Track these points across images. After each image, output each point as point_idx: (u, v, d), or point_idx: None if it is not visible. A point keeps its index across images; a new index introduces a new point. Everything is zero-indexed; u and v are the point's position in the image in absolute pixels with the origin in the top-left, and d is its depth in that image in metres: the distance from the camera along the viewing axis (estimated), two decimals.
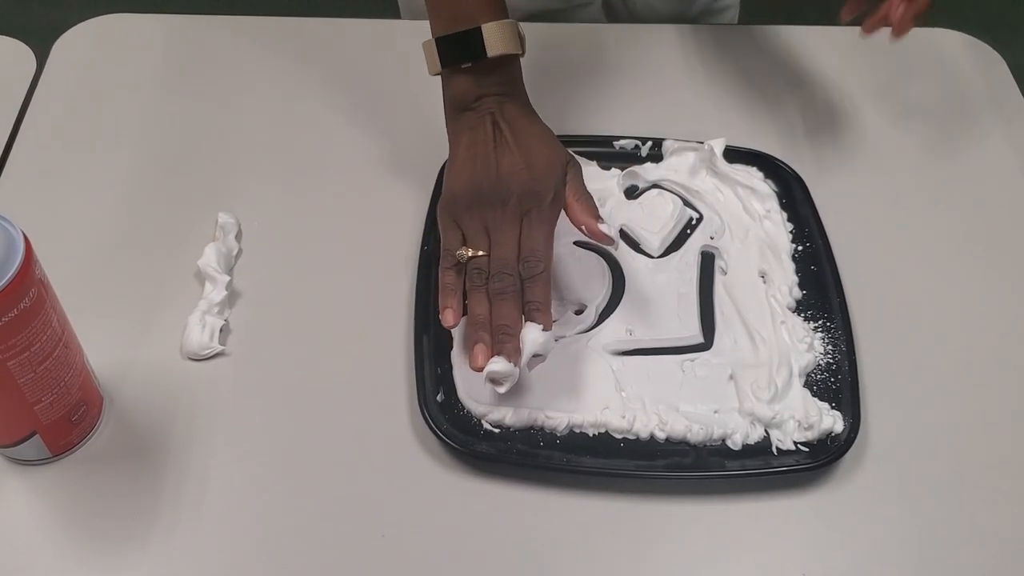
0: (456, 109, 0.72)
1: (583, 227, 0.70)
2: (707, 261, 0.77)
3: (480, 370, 0.64)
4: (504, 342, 0.64)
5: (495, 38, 0.69)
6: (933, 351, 0.73)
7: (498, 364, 0.63)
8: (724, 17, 1.09)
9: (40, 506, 0.64)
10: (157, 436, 0.66)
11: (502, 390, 0.64)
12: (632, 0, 1.07)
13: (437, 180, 0.79)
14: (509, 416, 0.67)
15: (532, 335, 0.65)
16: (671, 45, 0.95)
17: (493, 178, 0.68)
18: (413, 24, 0.93)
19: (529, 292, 0.66)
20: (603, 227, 0.69)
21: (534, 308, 0.66)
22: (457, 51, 0.70)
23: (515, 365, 0.64)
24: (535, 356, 0.65)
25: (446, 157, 0.77)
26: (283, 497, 0.64)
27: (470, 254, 0.67)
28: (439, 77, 0.72)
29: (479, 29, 0.69)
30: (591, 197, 0.71)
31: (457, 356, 0.70)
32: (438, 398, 0.67)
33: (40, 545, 0.62)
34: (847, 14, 0.77)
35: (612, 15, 1.11)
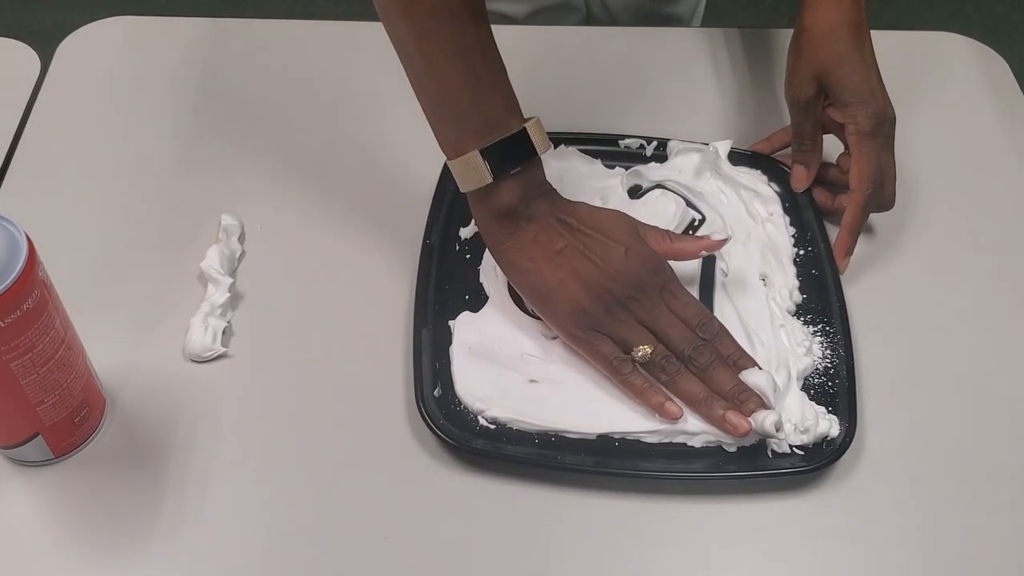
0: (507, 221, 0.68)
1: (703, 252, 0.71)
2: (708, 262, 0.77)
3: (748, 433, 0.65)
4: (747, 400, 0.65)
5: (538, 136, 0.67)
6: (931, 357, 0.73)
7: (769, 416, 0.64)
8: (686, 2, 1.10)
9: (42, 507, 0.64)
10: (159, 438, 0.67)
11: (783, 434, 0.65)
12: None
13: (440, 179, 0.79)
14: (509, 422, 0.67)
15: (760, 379, 0.66)
16: (678, 47, 0.96)
17: (613, 276, 0.67)
18: None
19: (723, 348, 0.68)
20: (714, 236, 0.71)
21: (738, 358, 0.68)
22: (507, 157, 0.67)
23: (771, 407, 0.65)
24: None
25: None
26: (284, 497, 0.65)
27: (648, 351, 0.67)
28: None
29: (524, 131, 0.67)
30: (669, 230, 0.72)
31: (457, 351, 0.70)
32: (435, 393, 0.68)
33: (42, 546, 0.63)
34: (799, 183, 0.80)
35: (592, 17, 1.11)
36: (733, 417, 0.65)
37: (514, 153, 0.67)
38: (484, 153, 0.66)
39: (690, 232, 0.78)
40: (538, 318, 0.72)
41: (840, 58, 0.75)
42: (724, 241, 0.70)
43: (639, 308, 0.68)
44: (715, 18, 1.13)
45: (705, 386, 0.66)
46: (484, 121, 0.66)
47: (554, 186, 0.70)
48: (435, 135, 0.68)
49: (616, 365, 0.67)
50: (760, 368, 0.67)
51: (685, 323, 0.68)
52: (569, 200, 0.70)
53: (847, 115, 0.75)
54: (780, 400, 0.66)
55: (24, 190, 0.81)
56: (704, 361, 0.67)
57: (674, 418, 0.66)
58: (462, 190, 0.69)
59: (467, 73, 0.65)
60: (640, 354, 0.67)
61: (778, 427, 0.64)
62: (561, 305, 0.68)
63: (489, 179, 0.66)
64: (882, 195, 0.76)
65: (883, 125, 0.75)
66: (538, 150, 0.67)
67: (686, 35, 0.98)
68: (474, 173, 0.67)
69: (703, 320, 0.68)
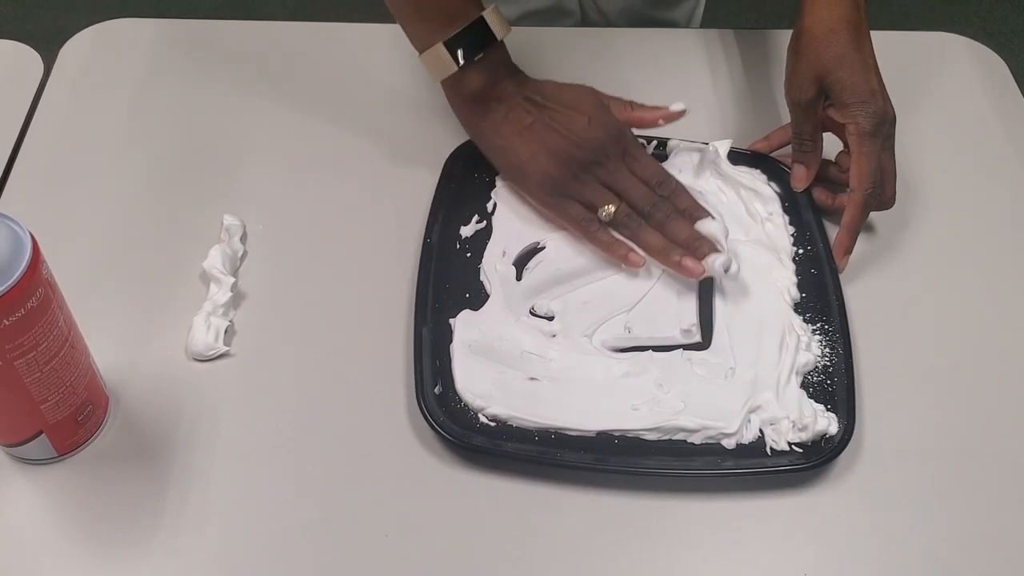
0: (478, 104, 0.75)
1: (661, 121, 0.77)
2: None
3: (700, 275, 0.72)
4: (700, 246, 0.73)
5: (496, 23, 0.74)
6: (930, 355, 0.73)
7: (718, 258, 0.71)
8: (682, 8, 1.11)
9: (45, 506, 0.65)
10: (162, 436, 0.67)
11: (733, 272, 0.72)
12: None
13: (440, 178, 0.80)
14: (509, 419, 0.67)
15: (713, 226, 0.73)
16: (678, 48, 0.96)
17: (577, 143, 0.73)
18: None
19: (680, 203, 0.75)
20: (674, 107, 0.77)
21: (694, 211, 0.75)
22: (469, 45, 0.73)
23: (722, 251, 0.72)
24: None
25: (446, 153, 0.78)
26: (286, 495, 0.65)
27: (612, 209, 0.73)
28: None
29: (482, 19, 0.73)
30: (632, 100, 0.77)
31: (457, 349, 0.70)
32: (436, 391, 0.68)
33: (45, 544, 0.63)
34: (799, 183, 0.80)
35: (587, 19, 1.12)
36: (687, 262, 0.72)
37: (476, 40, 0.73)
38: (449, 43, 0.73)
39: None
40: (539, 317, 0.73)
41: (840, 59, 0.75)
42: (682, 112, 0.77)
43: (602, 171, 0.74)
44: (713, 23, 1.13)
45: (664, 237, 0.73)
46: (445, 14, 0.73)
47: None
48: (405, 33, 0.76)
49: (584, 224, 0.74)
50: (713, 217, 0.74)
51: (645, 183, 0.75)
52: (536, 79, 0.77)
53: (847, 115, 0.75)
54: (731, 245, 0.74)
55: (28, 190, 0.82)
56: (662, 215, 0.74)
57: (636, 266, 0.73)
58: (435, 80, 0.75)
59: None
60: (605, 213, 0.73)
61: (726, 267, 0.71)
62: (533, 175, 0.74)
63: (455, 67, 0.73)
64: (882, 195, 0.77)
65: (883, 125, 0.75)
66: (496, 35, 0.74)
67: (685, 36, 0.98)
68: (442, 63, 0.74)
69: (661, 179, 0.75)
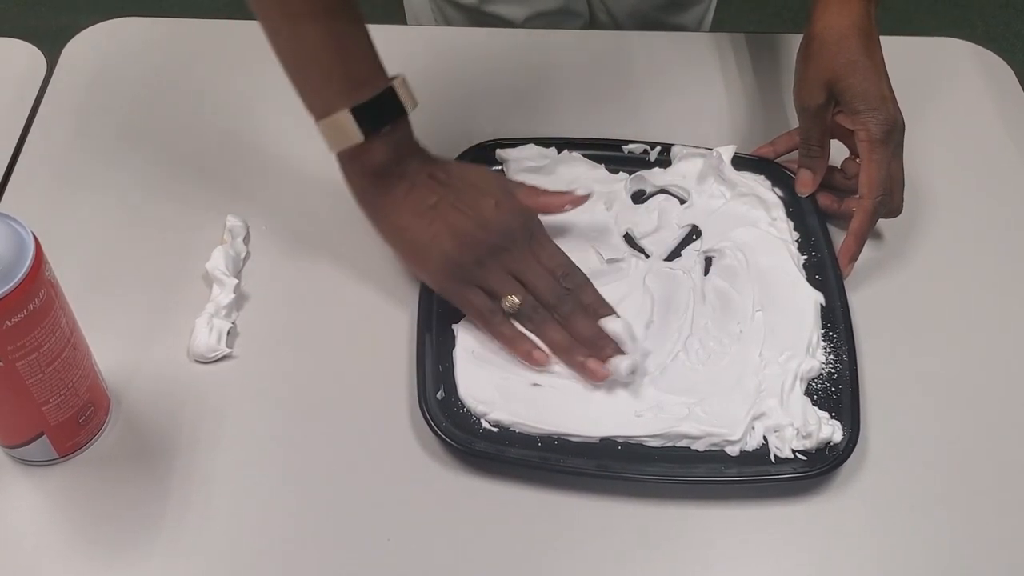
0: (379, 180, 0.69)
1: (568, 207, 0.73)
2: (710, 266, 0.77)
3: (604, 379, 0.67)
4: (604, 347, 0.68)
5: (405, 94, 0.69)
6: (935, 363, 0.73)
7: (624, 360, 0.67)
8: (692, 13, 1.10)
9: (47, 507, 0.64)
10: (164, 438, 0.67)
11: (636, 378, 0.68)
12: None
13: None
14: (512, 425, 0.67)
15: (617, 325, 0.68)
16: (684, 52, 0.96)
17: (483, 226, 0.69)
18: (417, 30, 0.94)
19: (585, 298, 0.70)
20: (579, 191, 0.73)
21: (598, 307, 0.70)
22: (377, 115, 0.67)
23: (627, 353, 0.68)
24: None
25: (451, 157, 0.77)
26: (288, 498, 0.65)
27: (517, 301, 0.69)
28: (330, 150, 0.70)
29: (392, 89, 0.68)
30: (536, 186, 0.74)
31: (460, 355, 0.70)
32: (438, 396, 0.68)
33: (46, 546, 0.63)
34: (804, 188, 0.80)
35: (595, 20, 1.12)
36: (592, 364, 0.68)
37: (383, 111, 0.68)
38: (354, 112, 0.67)
39: (693, 238, 0.79)
40: None
41: (851, 65, 0.75)
42: (586, 197, 0.73)
43: (508, 258, 0.70)
44: (722, 30, 1.14)
45: (567, 334, 0.69)
46: (351, 81, 0.67)
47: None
48: (301, 97, 0.69)
49: (487, 316, 0.69)
50: (617, 316, 0.69)
51: (551, 273, 0.70)
52: (441, 157, 0.72)
53: (858, 122, 0.75)
54: (638, 346, 0.69)
55: (31, 190, 0.81)
56: (566, 310, 0.70)
57: (540, 364, 0.69)
58: (331, 151, 0.70)
59: (332, 33, 0.67)
60: (509, 304, 0.69)
61: (633, 370, 0.67)
62: (434, 259, 0.69)
63: (360, 138, 0.67)
64: (890, 202, 0.76)
65: (894, 132, 0.75)
66: (406, 107, 0.68)
67: (694, 39, 0.98)
68: (344, 133, 0.67)
69: (567, 271, 0.71)
